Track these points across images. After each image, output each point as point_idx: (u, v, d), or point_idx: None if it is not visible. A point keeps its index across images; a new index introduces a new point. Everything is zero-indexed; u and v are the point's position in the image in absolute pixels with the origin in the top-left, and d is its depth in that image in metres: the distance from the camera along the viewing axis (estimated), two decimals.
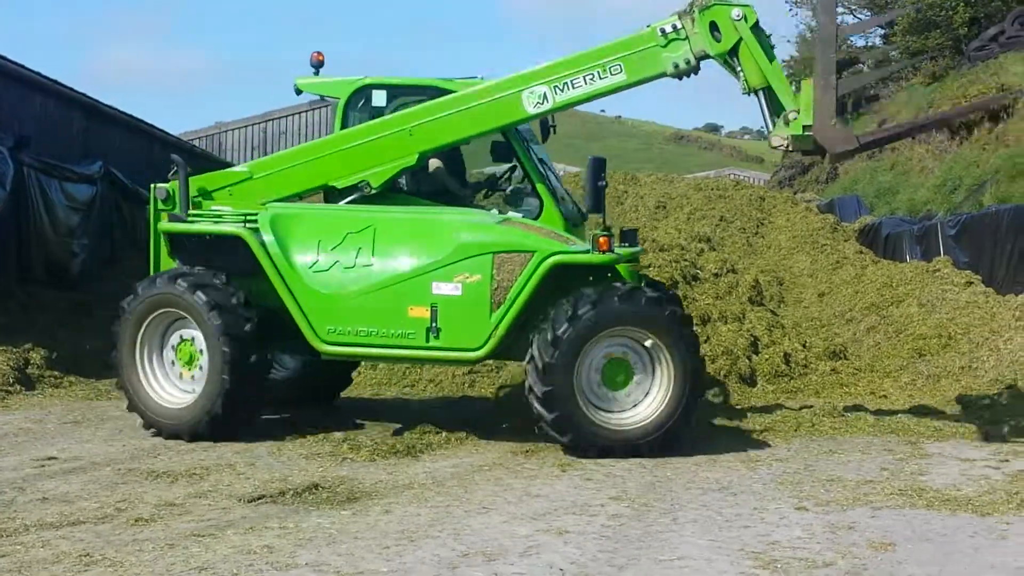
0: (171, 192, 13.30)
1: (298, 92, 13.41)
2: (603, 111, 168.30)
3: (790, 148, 12.05)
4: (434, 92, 12.64)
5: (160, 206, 13.23)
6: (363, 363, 17.75)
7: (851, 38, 46.98)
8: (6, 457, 10.97)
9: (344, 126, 12.84)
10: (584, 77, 12.12)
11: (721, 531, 8.43)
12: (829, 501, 9.42)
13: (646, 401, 11.42)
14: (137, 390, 12.23)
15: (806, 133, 11.68)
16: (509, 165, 13.18)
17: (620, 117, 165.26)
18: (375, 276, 11.87)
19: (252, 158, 37.54)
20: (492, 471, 10.56)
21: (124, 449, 11.58)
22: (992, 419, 13.46)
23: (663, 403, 11.31)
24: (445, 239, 11.79)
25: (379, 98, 12.96)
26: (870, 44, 49.99)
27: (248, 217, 12.42)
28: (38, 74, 20.24)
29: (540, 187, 12.55)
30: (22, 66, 19.88)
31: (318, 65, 13.28)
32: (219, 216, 12.67)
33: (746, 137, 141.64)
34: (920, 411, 14.10)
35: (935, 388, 15.80)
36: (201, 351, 12.05)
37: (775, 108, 11.98)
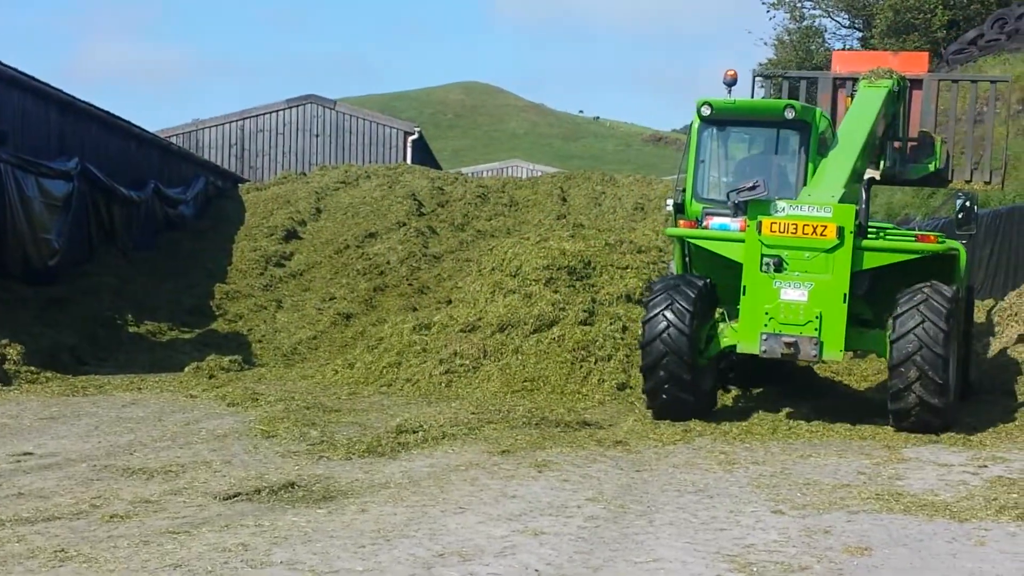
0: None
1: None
2: (581, 112, 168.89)
3: None
4: None
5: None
6: (340, 363, 17.78)
7: (829, 41, 47.11)
8: None
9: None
10: None
11: (697, 533, 8.43)
12: (806, 505, 9.43)
13: None
14: None
15: None
16: None
17: (598, 118, 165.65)
18: None
19: (230, 156, 37.60)
20: (468, 471, 10.54)
21: (100, 445, 11.53)
22: (972, 425, 13.53)
23: None
24: None
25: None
26: (848, 47, 50.22)
27: None
28: (15, 70, 20.14)
29: None
30: None
31: (731, 83, 14.74)
32: None
33: None
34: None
35: None
36: None
37: None
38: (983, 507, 9.39)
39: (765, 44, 57.42)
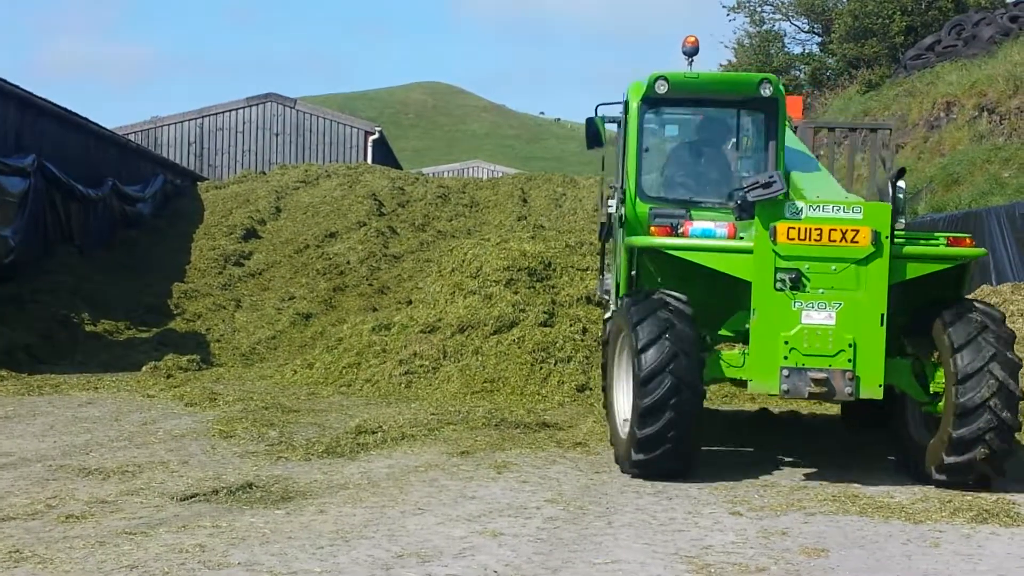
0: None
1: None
2: (543, 113, 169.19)
3: None
4: None
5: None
6: (299, 363, 17.72)
7: (789, 45, 47.29)
8: None
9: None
10: None
11: (655, 535, 8.46)
12: (763, 507, 9.48)
13: None
14: None
15: None
16: None
17: (559, 119, 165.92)
18: None
19: (189, 154, 37.42)
20: (428, 472, 10.54)
21: (56, 445, 11.44)
22: None
23: None
24: None
25: None
26: (807, 52, 50.53)
27: None
28: None
29: None
30: None
31: (692, 52, 12.42)
32: None
33: None
34: None
35: None
36: None
37: None
38: (937, 509, 9.48)
39: (725, 47, 57.81)
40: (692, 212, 11.56)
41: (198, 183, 32.55)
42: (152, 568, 7.15)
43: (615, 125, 12.75)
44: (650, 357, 10.31)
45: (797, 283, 10.51)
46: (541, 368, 16.02)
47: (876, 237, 10.47)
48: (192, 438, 12.04)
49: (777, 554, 7.99)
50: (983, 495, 10.04)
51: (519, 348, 16.31)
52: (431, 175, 40.32)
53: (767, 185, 10.59)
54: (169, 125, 38.25)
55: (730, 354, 11.04)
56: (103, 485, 9.61)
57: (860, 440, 12.81)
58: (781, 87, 12.08)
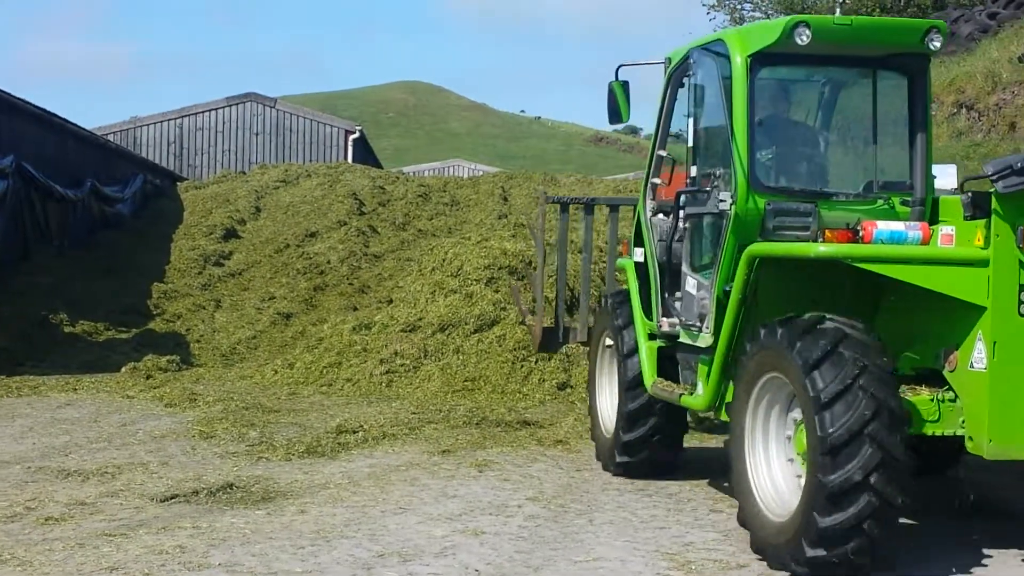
0: None
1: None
2: (523, 111, 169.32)
3: None
4: None
5: None
6: (280, 363, 17.68)
7: None
8: None
9: None
10: None
11: (637, 532, 8.47)
12: None
13: None
14: None
15: None
16: None
17: (540, 118, 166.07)
18: None
19: (168, 154, 37.30)
20: (409, 471, 10.53)
21: (35, 447, 11.40)
22: None
23: None
24: None
25: None
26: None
27: None
28: None
29: None
30: None
31: None
32: None
33: None
34: None
35: None
36: None
37: None
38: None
39: None
40: (821, 207, 8.59)
41: (178, 183, 32.44)
42: (132, 570, 7.13)
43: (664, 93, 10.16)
44: (838, 416, 7.25)
45: None
46: (522, 366, 16.01)
47: None
48: (172, 439, 12.00)
49: None
50: None
51: (500, 346, 16.30)
52: (412, 174, 40.25)
53: (1021, 171, 7.48)
54: (149, 125, 38.11)
55: (921, 400, 7.92)
56: (82, 487, 9.58)
57: None
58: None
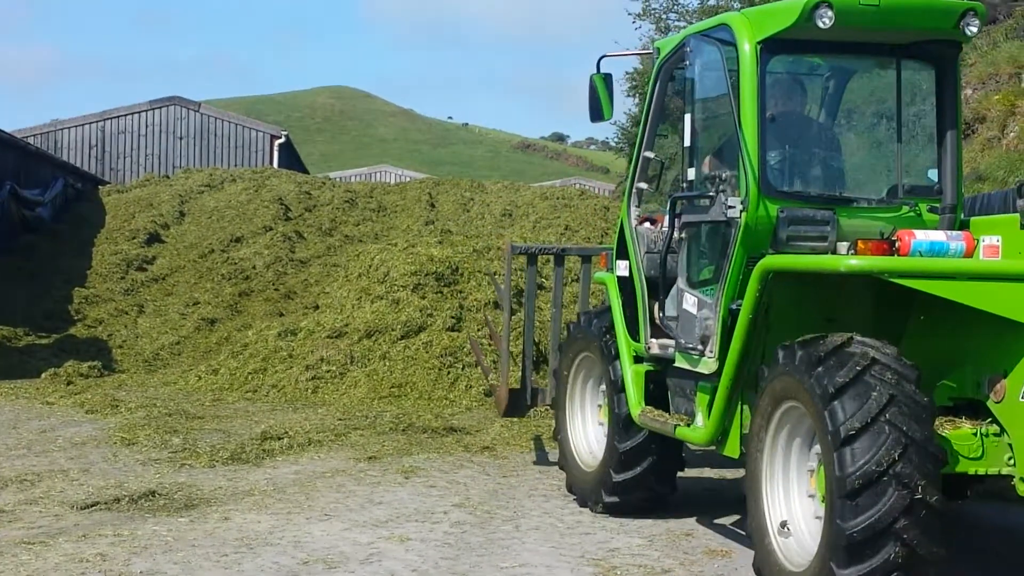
0: None
1: None
2: (450, 117, 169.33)
3: None
4: None
5: None
6: (204, 369, 17.52)
7: None
8: None
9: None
10: None
11: (563, 538, 8.49)
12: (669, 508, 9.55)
13: None
14: None
15: None
16: None
17: (467, 124, 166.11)
18: None
19: (90, 157, 36.80)
20: (335, 478, 10.47)
21: None
22: None
23: None
24: None
25: None
26: None
27: None
28: None
29: None
30: None
31: None
32: None
33: (592, 147, 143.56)
34: None
35: None
36: None
37: None
38: None
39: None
40: (840, 214, 7.63)
41: (100, 187, 32.05)
42: None
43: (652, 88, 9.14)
44: (859, 454, 6.31)
45: None
46: (448, 373, 16.00)
47: None
48: (93, 446, 11.85)
49: (682, 555, 8.07)
50: None
51: (427, 353, 16.28)
52: (338, 179, 40.02)
53: None
54: (69, 128, 37.57)
55: (962, 435, 6.86)
56: (1, 494, 9.42)
57: None
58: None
